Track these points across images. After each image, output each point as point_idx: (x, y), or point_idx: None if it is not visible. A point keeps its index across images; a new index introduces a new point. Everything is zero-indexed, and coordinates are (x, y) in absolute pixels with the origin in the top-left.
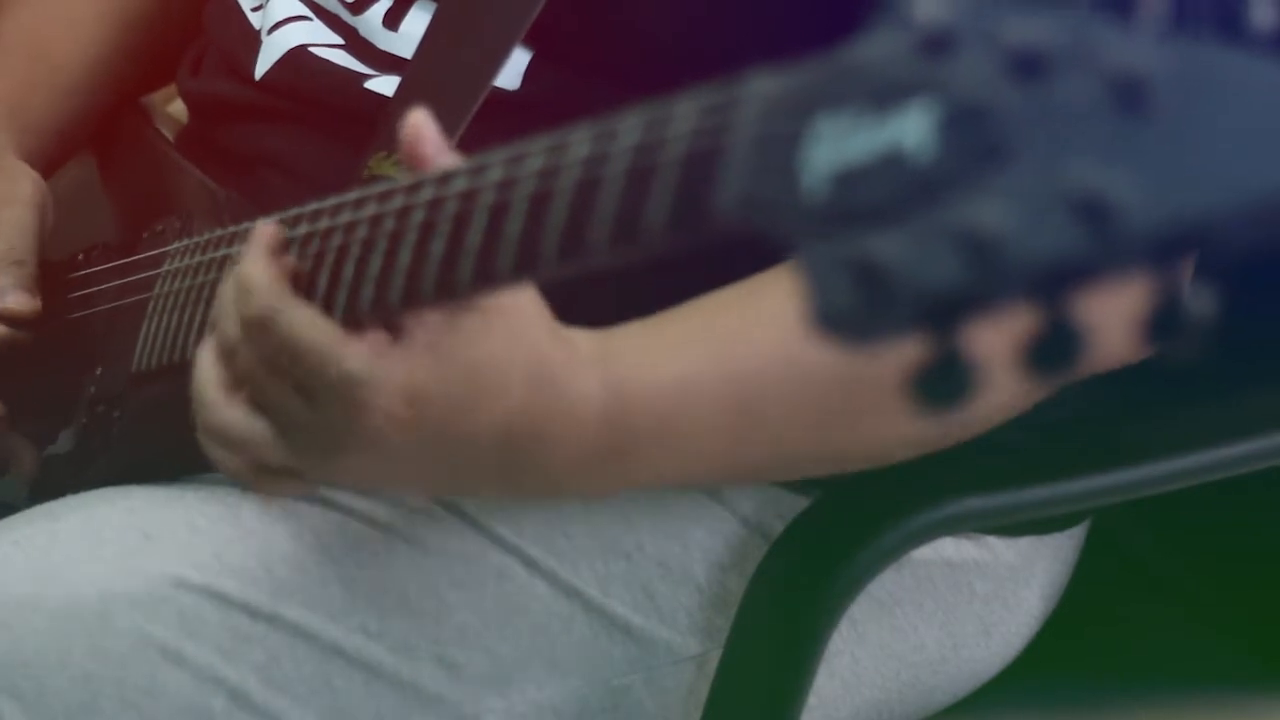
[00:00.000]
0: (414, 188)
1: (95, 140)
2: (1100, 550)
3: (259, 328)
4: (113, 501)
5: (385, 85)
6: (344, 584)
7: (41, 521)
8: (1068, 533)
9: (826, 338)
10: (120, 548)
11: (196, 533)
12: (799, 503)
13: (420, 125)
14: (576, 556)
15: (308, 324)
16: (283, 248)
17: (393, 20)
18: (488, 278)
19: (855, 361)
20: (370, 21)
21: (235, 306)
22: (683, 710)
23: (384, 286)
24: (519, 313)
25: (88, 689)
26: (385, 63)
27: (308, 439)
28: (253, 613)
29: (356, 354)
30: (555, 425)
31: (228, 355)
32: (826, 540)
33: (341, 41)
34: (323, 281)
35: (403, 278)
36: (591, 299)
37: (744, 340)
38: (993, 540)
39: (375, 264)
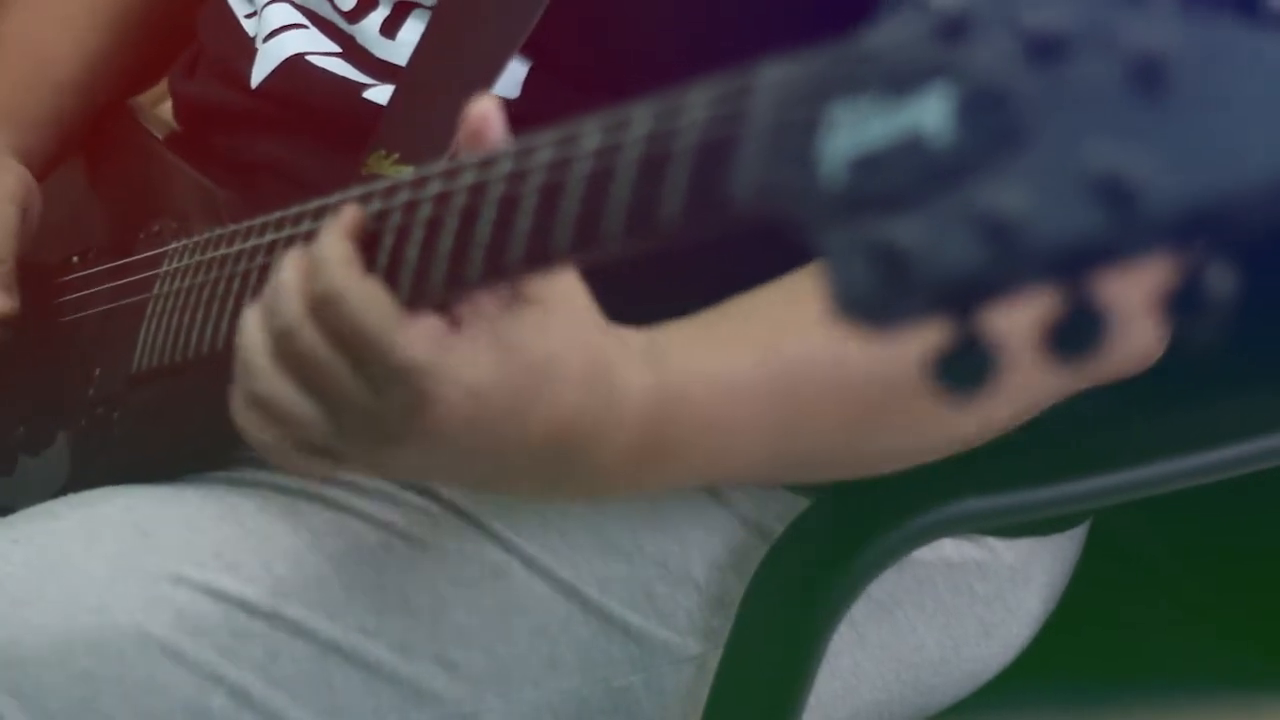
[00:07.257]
0: (419, 182)
1: (88, 142)
2: (1100, 551)
3: (329, 304)
4: (112, 500)
5: (383, 95)
6: (343, 582)
7: (41, 520)
8: (1068, 534)
9: (847, 323)
10: (119, 545)
11: (196, 530)
12: (799, 503)
13: (485, 112)
14: (575, 556)
15: (377, 306)
16: (362, 230)
17: (390, 29)
18: (498, 269)
19: (898, 361)
20: (367, 30)
21: (304, 283)
22: (682, 711)
23: (424, 273)
24: (575, 307)
25: (87, 686)
26: (383, 71)
27: (363, 425)
28: (252, 610)
29: (421, 342)
30: (605, 424)
31: (283, 334)
32: (827, 541)
33: (338, 50)
34: (383, 262)
35: (410, 272)
36: (626, 297)
37: (789, 339)
38: (993, 541)
39: (412, 253)
